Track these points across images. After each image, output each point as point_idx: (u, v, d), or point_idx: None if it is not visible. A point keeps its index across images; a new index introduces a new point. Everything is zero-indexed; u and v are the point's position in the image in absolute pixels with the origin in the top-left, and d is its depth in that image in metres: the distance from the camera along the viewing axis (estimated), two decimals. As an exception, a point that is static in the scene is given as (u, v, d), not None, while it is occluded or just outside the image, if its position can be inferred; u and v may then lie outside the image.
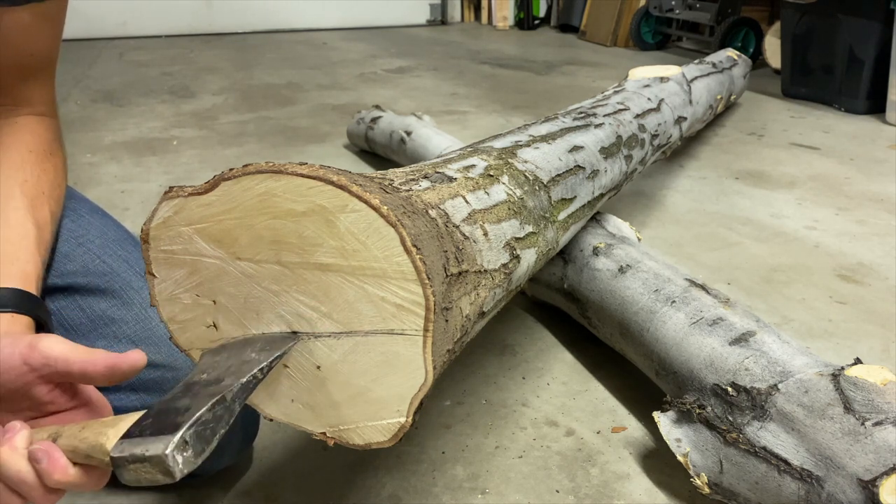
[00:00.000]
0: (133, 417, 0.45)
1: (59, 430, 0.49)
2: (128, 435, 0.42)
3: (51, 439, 0.48)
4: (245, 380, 0.45)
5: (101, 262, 0.74)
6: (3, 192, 0.67)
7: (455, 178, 0.65)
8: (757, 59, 2.98)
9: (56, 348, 0.51)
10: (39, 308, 0.62)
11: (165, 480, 0.40)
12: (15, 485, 0.47)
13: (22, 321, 0.59)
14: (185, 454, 0.40)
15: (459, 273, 0.53)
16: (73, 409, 0.54)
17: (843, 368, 0.70)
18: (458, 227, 0.57)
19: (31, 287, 0.62)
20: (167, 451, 0.39)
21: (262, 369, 0.47)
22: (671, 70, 1.53)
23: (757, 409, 0.71)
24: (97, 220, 0.79)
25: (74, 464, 0.47)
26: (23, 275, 0.62)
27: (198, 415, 0.41)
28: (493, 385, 0.97)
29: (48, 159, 0.73)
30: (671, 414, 0.78)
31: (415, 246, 0.45)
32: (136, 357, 0.50)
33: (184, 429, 0.40)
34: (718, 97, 1.83)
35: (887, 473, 0.61)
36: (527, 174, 0.77)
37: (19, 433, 0.48)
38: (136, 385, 0.69)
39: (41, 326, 0.62)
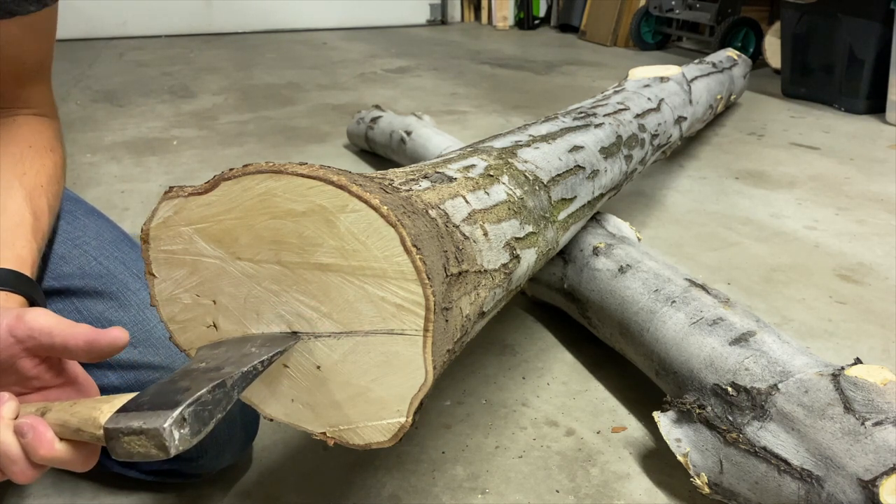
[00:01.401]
0: (128, 396, 0.45)
1: (49, 405, 0.48)
2: (123, 409, 0.42)
3: (39, 413, 0.47)
4: (246, 369, 0.45)
5: (98, 263, 0.74)
6: (2, 183, 0.67)
7: (455, 178, 0.65)
8: (757, 59, 2.98)
9: (40, 320, 0.51)
10: (34, 290, 0.62)
11: (159, 456, 0.39)
12: None
13: (17, 300, 0.60)
14: (182, 431, 0.40)
15: (459, 273, 0.53)
16: (60, 386, 0.54)
17: (843, 368, 0.70)
18: (458, 227, 0.57)
19: (27, 271, 0.63)
20: (165, 425, 0.39)
21: (262, 362, 0.47)
22: (671, 70, 1.53)
23: (757, 409, 0.71)
24: (93, 221, 0.79)
25: (62, 440, 0.46)
26: (18, 259, 0.63)
27: (199, 394, 0.41)
28: (493, 385, 0.97)
29: (47, 155, 0.73)
30: (671, 414, 0.78)
31: (415, 246, 0.45)
32: (115, 334, 0.50)
33: (184, 405, 0.40)
34: (718, 97, 1.83)
35: (887, 473, 0.61)
36: (527, 174, 0.77)
37: (6, 403, 0.47)
38: (134, 386, 0.70)
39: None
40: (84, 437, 0.46)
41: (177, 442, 0.39)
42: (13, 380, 0.52)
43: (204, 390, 0.42)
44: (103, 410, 0.45)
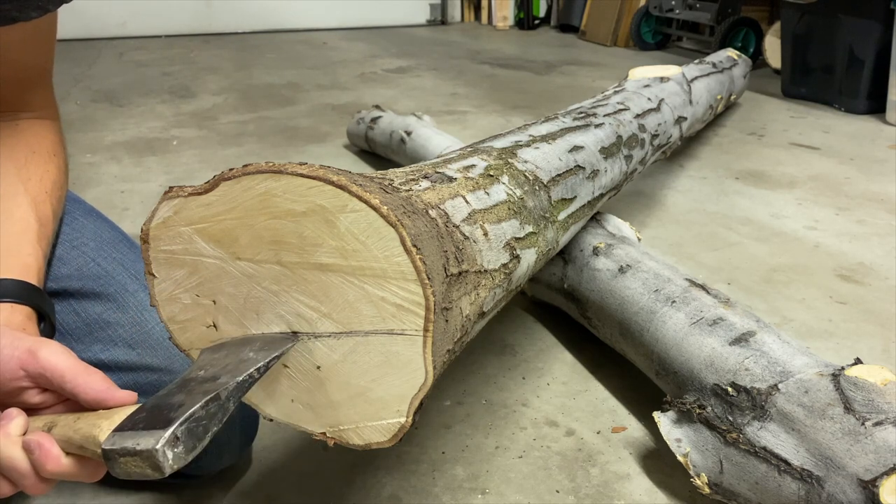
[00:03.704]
0: (128, 411, 0.45)
1: (55, 419, 0.49)
2: (120, 428, 0.42)
3: (46, 428, 0.48)
4: (241, 378, 0.45)
5: (96, 265, 0.74)
6: (7, 189, 0.67)
7: (455, 178, 0.65)
8: (757, 59, 2.97)
9: (53, 360, 0.51)
10: (41, 298, 0.62)
11: (155, 475, 0.40)
12: (7, 472, 0.47)
13: (23, 311, 0.59)
14: (175, 450, 0.40)
15: (459, 273, 0.53)
16: (64, 402, 0.54)
17: (843, 368, 0.70)
18: (458, 227, 0.57)
19: (32, 279, 0.62)
20: (157, 447, 0.39)
21: (258, 369, 0.47)
22: (671, 70, 1.53)
23: (757, 409, 0.71)
24: (91, 222, 0.79)
25: (68, 454, 0.47)
26: (24, 267, 0.62)
27: (191, 411, 0.41)
28: (493, 385, 0.97)
29: (51, 160, 0.73)
30: (671, 414, 0.78)
31: (415, 246, 0.45)
32: (125, 398, 0.50)
33: (175, 424, 0.40)
34: (718, 97, 1.83)
35: (887, 473, 0.61)
36: (527, 174, 0.77)
37: (14, 420, 0.48)
38: (132, 387, 0.69)
39: (42, 317, 0.62)
40: (87, 454, 0.46)
41: (171, 461, 0.40)
42: (16, 403, 0.52)
43: (197, 406, 0.42)
44: (102, 428, 0.45)
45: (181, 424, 0.40)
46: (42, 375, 0.51)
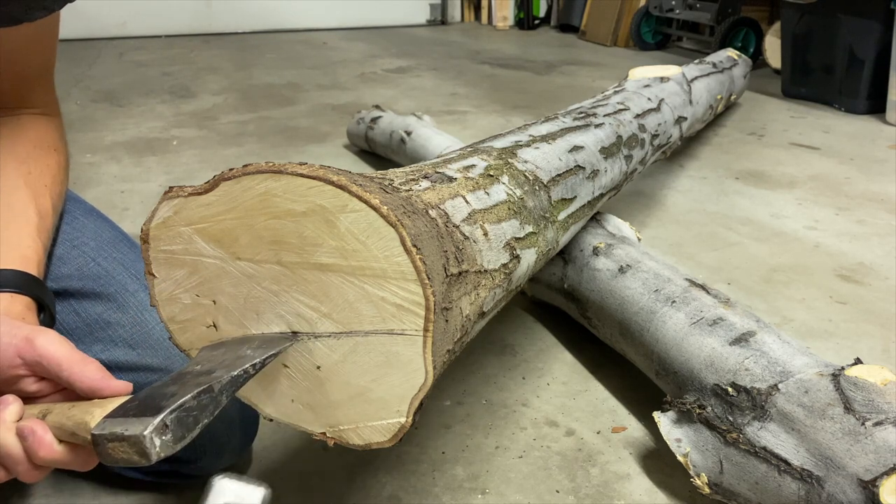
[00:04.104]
0: (123, 400, 0.45)
1: (50, 407, 0.49)
2: (112, 415, 0.43)
3: (40, 416, 0.48)
4: (236, 373, 0.45)
5: (96, 264, 0.74)
6: (7, 182, 0.67)
7: (455, 178, 0.65)
8: (757, 59, 2.97)
9: (51, 349, 0.51)
10: (41, 289, 0.62)
11: (141, 462, 0.40)
12: (1, 458, 0.47)
13: (22, 301, 0.59)
14: (164, 437, 0.40)
15: (459, 273, 0.53)
16: (61, 391, 0.54)
17: (843, 368, 0.70)
18: (458, 227, 0.57)
19: (32, 270, 0.63)
20: (145, 433, 0.39)
21: (254, 365, 0.47)
22: (671, 70, 1.53)
23: (757, 409, 0.71)
24: (92, 221, 0.79)
25: (62, 441, 0.47)
26: (23, 258, 0.63)
27: (182, 401, 0.41)
28: (493, 385, 0.97)
29: (52, 155, 0.74)
30: (671, 414, 0.78)
31: (415, 246, 0.45)
32: (120, 388, 0.50)
33: (165, 412, 0.40)
34: (718, 97, 1.83)
35: (887, 473, 0.61)
36: (527, 174, 0.77)
37: (9, 407, 0.48)
38: (132, 389, 0.70)
39: (42, 308, 0.62)
40: (79, 441, 0.46)
41: (158, 448, 0.40)
42: (13, 391, 0.52)
43: (188, 396, 0.42)
44: (95, 415, 0.45)
45: (171, 413, 0.41)
46: (39, 363, 0.51)
